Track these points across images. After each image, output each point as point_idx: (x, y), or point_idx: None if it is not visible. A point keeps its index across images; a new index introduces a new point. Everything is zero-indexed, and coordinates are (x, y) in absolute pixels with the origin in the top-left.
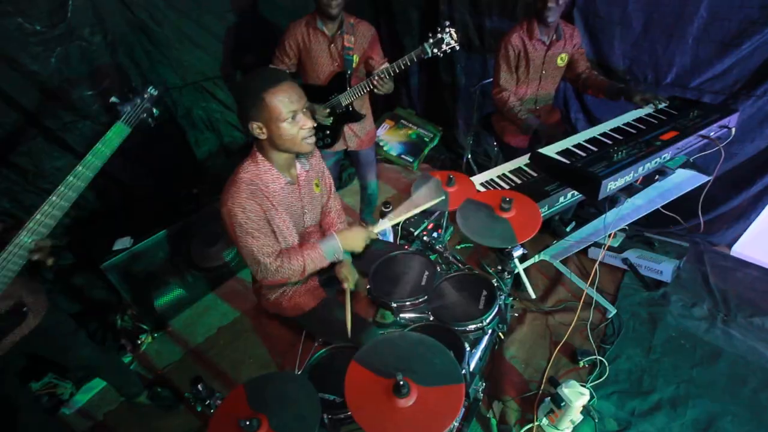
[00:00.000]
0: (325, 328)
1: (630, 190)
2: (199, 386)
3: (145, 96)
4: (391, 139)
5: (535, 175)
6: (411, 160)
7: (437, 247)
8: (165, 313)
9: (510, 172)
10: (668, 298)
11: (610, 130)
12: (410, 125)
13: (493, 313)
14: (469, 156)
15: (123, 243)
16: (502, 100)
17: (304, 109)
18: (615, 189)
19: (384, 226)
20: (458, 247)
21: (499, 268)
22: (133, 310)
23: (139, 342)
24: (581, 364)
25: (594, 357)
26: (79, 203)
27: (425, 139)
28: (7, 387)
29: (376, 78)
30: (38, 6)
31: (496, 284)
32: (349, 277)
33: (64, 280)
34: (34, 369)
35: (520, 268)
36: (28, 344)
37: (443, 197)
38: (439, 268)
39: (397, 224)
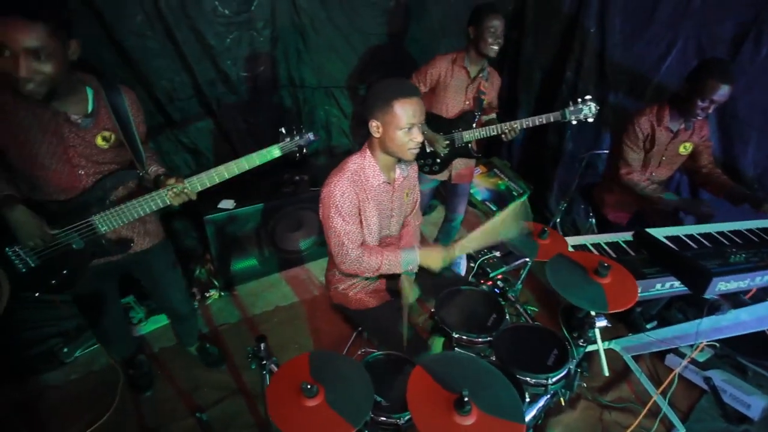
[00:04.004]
0: (380, 330)
1: (736, 300)
2: (262, 345)
3: (304, 136)
4: (479, 183)
5: (633, 254)
6: (494, 209)
7: (509, 295)
8: (236, 277)
9: (606, 243)
10: None
11: (729, 231)
12: (502, 176)
13: (562, 374)
14: (558, 221)
15: (227, 204)
16: (633, 180)
17: (420, 125)
18: (725, 291)
19: (466, 249)
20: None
21: (575, 335)
22: (212, 266)
23: (207, 296)
24: None
25: None
26: (201, 161)
27: (514, 192)
28: (105, 286)
29: (508, 129)
30: None
31: (568, 347)
32: (410, 294)
33: (168, 221)
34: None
35: (600, 341)
36: (133, 263)
37: (521, 227)
38: (507, 316)
39: (476, 257)
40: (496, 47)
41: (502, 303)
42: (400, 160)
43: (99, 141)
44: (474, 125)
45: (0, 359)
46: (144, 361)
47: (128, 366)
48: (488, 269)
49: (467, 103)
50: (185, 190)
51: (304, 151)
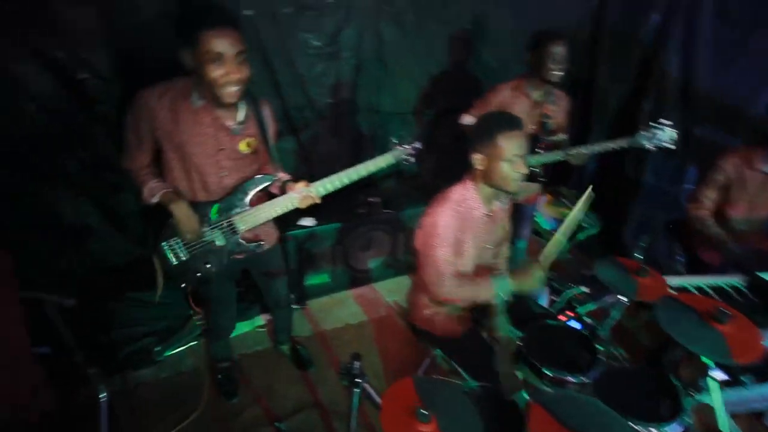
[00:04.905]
0: (470, 363)
1: None
2: (356, 363)
3: (412, 146)
4: (546, 213)
5: (740, 299)
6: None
7: (599, 335)
8: (309, 291)
9: (708, 286)
10: None
11: None
12: (569, 205)
13: (681, 428)
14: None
15: (308, 221)
16: (700, 216)
17: (524, 156)
18: None
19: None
20: None
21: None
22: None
23: None
24: None
25: None
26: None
27: (582, 224)
28: (230, 283)
29: (574, 153)
30: (325, 29)
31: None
32: (502, 334)
33: None
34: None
35: (718, 397)
36: (252, 261)
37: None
38: (599, 356)
39: (561, 290)
40: (558, 73)
41: (594, 342)
42: (500, 192)
43: (242, 146)
44: (539, 150)
45: (107, 354)
46: (232, 368)
47: (217, 372)
48: (575, 304)
49: (531, 128)
50: (311, 194)
51: (412, 160)
